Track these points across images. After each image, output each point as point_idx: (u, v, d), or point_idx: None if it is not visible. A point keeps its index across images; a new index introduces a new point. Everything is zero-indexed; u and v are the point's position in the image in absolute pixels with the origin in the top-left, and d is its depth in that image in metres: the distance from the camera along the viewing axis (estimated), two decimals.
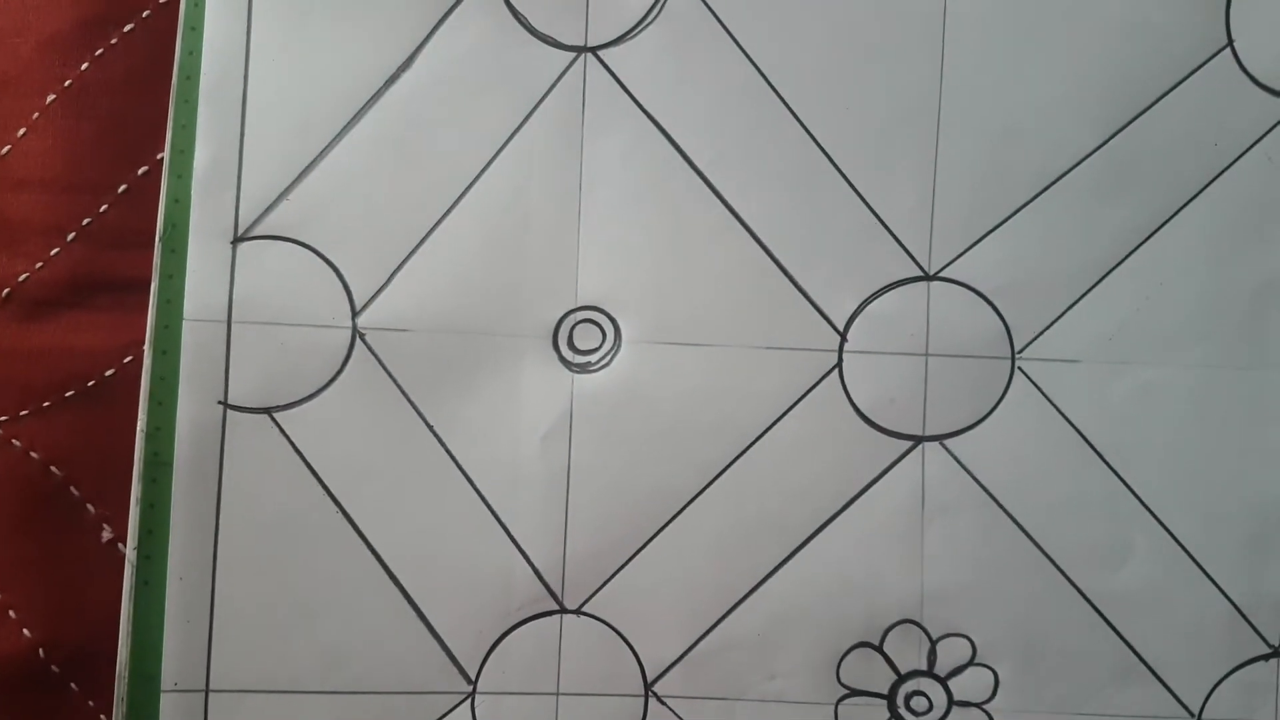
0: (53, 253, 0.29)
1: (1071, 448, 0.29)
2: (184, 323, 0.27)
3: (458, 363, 0.28)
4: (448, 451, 0.28)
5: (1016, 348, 0.29)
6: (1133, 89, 0.29)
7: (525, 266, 0.28)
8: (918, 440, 0.29)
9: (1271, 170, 0.29)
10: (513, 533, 0.28)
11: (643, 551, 0.28)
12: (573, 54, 0.29)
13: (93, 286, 0.29)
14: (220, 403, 0.28)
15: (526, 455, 0.28)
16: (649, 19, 0.29)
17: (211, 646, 0.27)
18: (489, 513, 0.28)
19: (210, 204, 0.28)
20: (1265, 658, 0.29)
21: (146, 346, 0.28)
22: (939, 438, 0.29)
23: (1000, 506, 0.29)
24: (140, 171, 0.29)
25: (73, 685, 0.28)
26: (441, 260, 0.28)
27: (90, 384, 0.29)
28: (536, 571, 0.28)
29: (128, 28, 0.29)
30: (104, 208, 0.29)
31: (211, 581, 0.27)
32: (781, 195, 0.29)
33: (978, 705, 0.28)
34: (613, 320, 0.28)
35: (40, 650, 0.28)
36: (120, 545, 0.28)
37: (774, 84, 0.29)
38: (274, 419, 0.28)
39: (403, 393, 0.28)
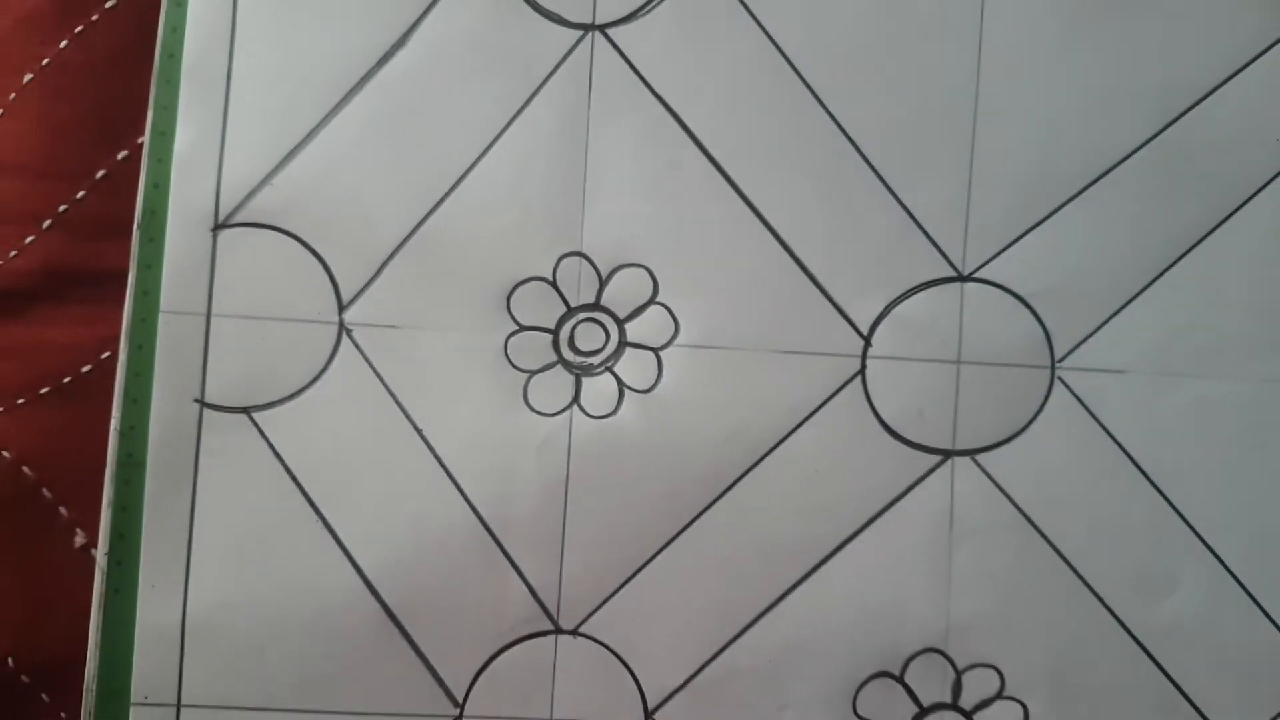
0: (27, 241, 0.27)
1: (1114, 466, 0.27)
2: (160, 315, 0.26)
3: (449, 363, 0.26)
4: (437, 458, 0.26)
5: (1057, 356, 0.27)
6: (1188, 78, 0.27)
7: (524, 261, 0.27)
8: (947, 455, 0.27)
9: None
10: (506, 547, 0.26)
11: (645, 570, 0.26)
12: (579, 32, 0.27)
13: (69, 278, 0.27)
14: (196, 401, 0.26)
15: (522, 464, 0.26)
16: None
17: (183, 659, 0.26)
18: (481, 525, 0.26)
19: (190, 189, 0.26)
20: None
21: (122, 340, 0.26)
22: (970, 452, 0.27)
23: (1035, 528, 0.27)
24: (120, 156, 0.28)
25: (44, 696, 0.27)
26: (434, 253, 0.26)
27: (66, 380, 0.27)
28: (531, 589, 0.26)
29: (110, 3, 0.28)
30: (81, 194, 0.27)
31: (184, 590, 0.26)
32: (803, 188, 0.27)
33: None
34: (617, 320, 0.27)
35: (10, 659, 0.27)
36: (93, 551, 0.27)
37: (798, 67, 0.27)
38: (252, 419, 0.26)
39: (390, 394, 0.26)
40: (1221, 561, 0.27)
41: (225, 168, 0.26)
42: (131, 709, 0.25)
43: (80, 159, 0.27)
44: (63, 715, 0.27)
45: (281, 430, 0.26)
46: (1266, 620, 0.27)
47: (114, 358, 0.27)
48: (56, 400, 0.27)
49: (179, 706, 0.25)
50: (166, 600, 0.26)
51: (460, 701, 0.26)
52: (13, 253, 0.27)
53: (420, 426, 0.26)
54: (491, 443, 0.26)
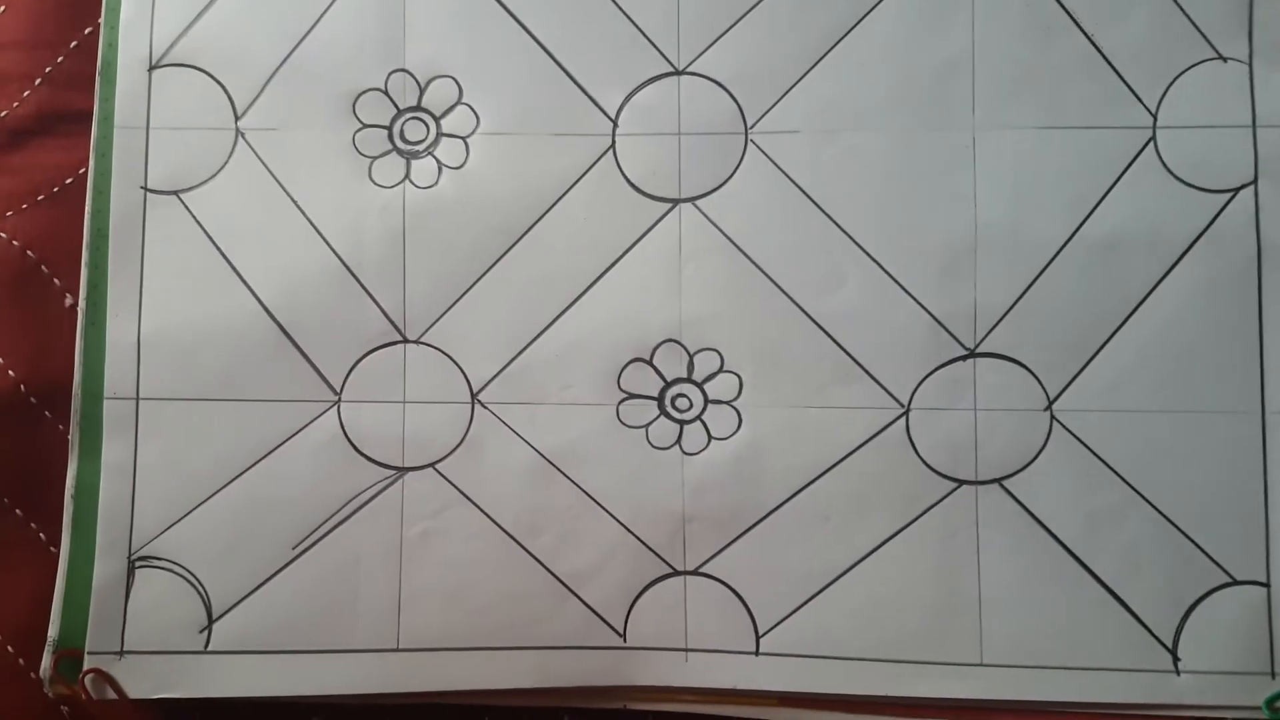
0: (25, 94, 0.39)
1: (795, 200, 0.36)
2: (115, 130, 0.37)
3: (315, 153, 0.37)
4: (309, 220, 0.36)
5: (749, 125, 0.36)
6: None
7: (364, 77, 0.37)
8: (675, 202, 0.36)
9: None
10: (364, 282, 0.36)
11: (465, 296, 0.36)
12: None
13: (55, 118, 0.39)
14: (142, 188, 0.37)
15: (370, 222, 0.37)
16: None
17: (140, 366, 0.36)
18: (344, 267, 0.36)
19: (132, 45, 0.37)
20: (963, 358, 0.36)
21: (91, 152, 0.37)
22: (691, 199, 0.36)
23: (739, 250, 0.36)
24: (86, 31, 0.39)
25: (46, 413, 0.38)
26: (299, 75, 0.37)
27: (55, 190, 0.38)
28: (383, 311, 0.36)
29: None
30: (61, 59, 0.39)
31: (139, 319, 0.36)
32: (563, 15, 0.37)
33: (728, 403, 0.36)
34: (434, 117, 0.37)
35: (21, 386, 0.38)
36: (78, 308, 0.37)
37: None
38: (181, 199, 0.37)
39: (273, 176, 0.37)
40: (877, 263, 0.36)
41: (155, 29, 0.37)
42: (105, 402, 0.36)
43: (59, 35, 0.39)
44: (60, 427, 0.38)
45: (201, 205, 0.37)
46: (915, 304, 0.36)
47: (88, 171, 0.38)
48: (49, 204, 0.38)
49: (138, 399, 0.36)
50: (126, 326, 0.36)
51: (338, 390, 0.36)
52: (15, 103, 0.39)
53: (295, 198, 0.37)
54: (347, 208, 0.36)
